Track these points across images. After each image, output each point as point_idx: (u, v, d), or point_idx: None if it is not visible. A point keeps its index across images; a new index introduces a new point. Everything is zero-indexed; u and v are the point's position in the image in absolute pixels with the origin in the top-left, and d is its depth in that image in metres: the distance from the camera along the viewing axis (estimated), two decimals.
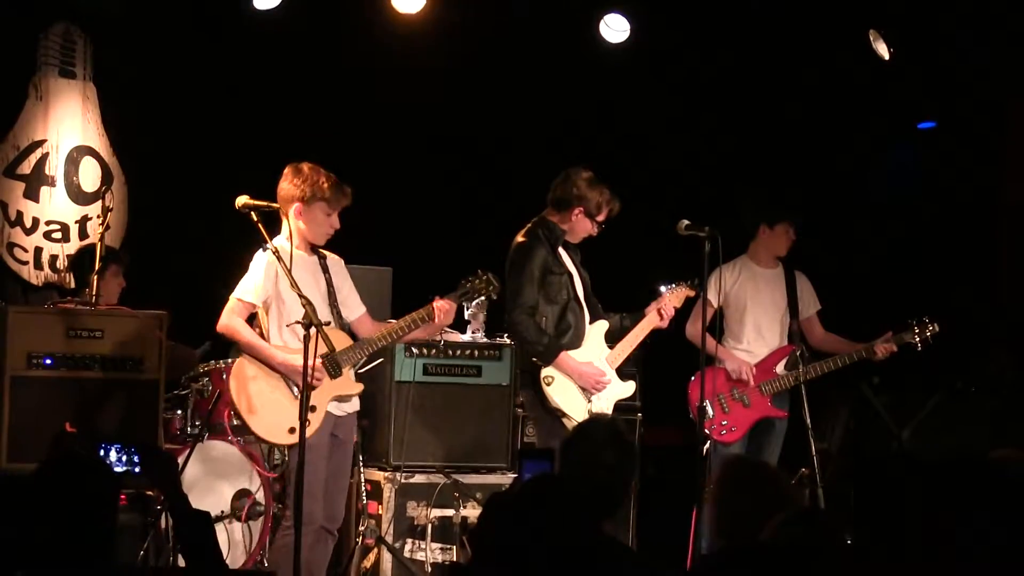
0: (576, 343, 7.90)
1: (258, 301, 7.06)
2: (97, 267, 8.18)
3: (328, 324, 7.01)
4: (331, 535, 7.30)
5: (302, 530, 6.76)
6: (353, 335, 7.35)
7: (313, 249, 7.28)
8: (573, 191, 7.93)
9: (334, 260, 7.37)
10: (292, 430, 6.87)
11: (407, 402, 8.35)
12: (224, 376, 8.19)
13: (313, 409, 6.96)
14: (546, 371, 7.80)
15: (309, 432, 6.86)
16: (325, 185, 7.17)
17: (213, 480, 8.13)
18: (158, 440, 7.56)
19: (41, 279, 9.40)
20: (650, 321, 8.07)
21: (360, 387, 7.34)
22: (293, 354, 6.87)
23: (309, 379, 6.61)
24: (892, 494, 2.83)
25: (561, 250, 7.97)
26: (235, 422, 8.16)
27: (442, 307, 7.35)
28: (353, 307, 7.40)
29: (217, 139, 9.53)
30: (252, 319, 7.22)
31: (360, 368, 7.42)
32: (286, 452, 7.04)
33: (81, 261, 8.79)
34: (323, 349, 6.90)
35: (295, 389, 6.95)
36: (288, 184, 7.19)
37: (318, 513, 7.12)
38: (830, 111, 10.54)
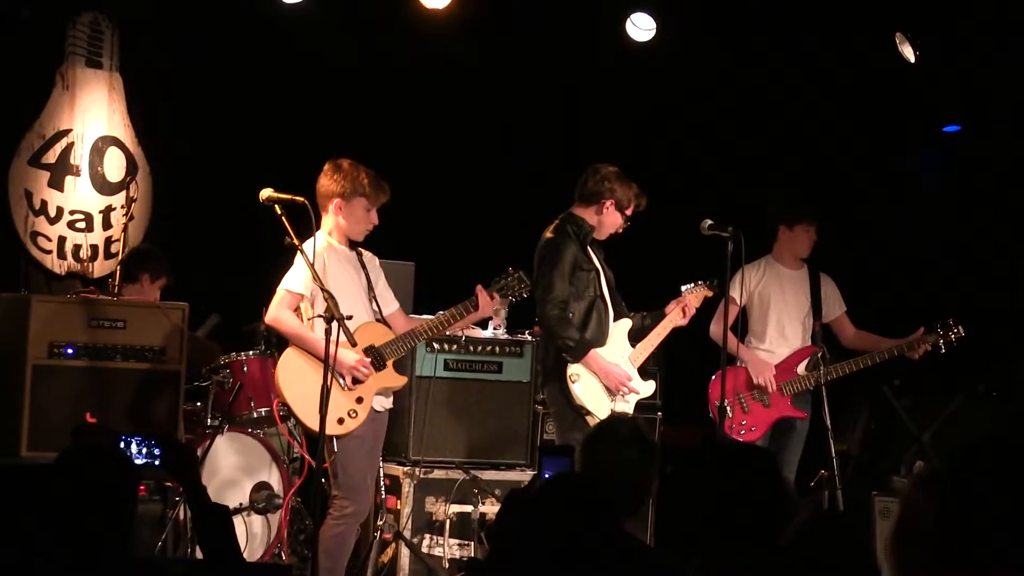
0: (601, 340, 7.90)
1: (306, 292, 7.08)
2: (121, 256, 8.20)
3: (372, 320, 7.25)
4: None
5: (351, 523, 7.10)
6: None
7: (351, 245, 7.31)
8: (605, 184, 7.95)
9: (370, 257, 7.44)
10: (341, 420, 7.02)
11: (428, 397, 8.36)
12: (244, 369, 8.22)
13: (360, 400, 7.13)
14: (572, 368, 7.79)
15: (356, 423, 7.10)
16: (365, 181, 7.23)
17: (232, 472, 8.15)
18: (179, 431, 7.57)
19: (64, 268, 9.41)
20: (671, 320, 8.07)
21: (404, 380, 7.44)
22: (341, 346, 6.90)
23: (339, 370, 6.87)
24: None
25: (588, 247, 7.98)
26: (255, 414, 8.20)
27: (485, 298, 7.40)
28: (387, 302, 7.45)
29: (242, 131, 9.54)
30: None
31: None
32: (334, 444, 7.06)
33: (143, 259, 8.67)
34: (365, 342, 7.10)
35: (343, 380, 7.03)
36: (328, 180, 7.24)
37: (365, 507, 7.25)
38: (857, 113, 10.51)
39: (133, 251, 8.77)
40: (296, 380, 7.07)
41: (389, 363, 7.23)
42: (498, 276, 7.54)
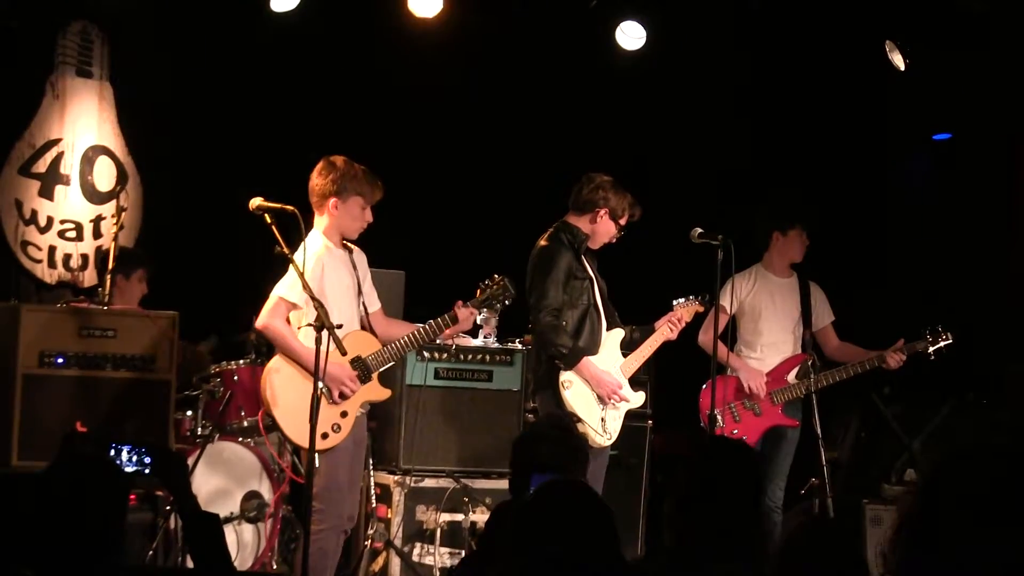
0: (593, 349, 7.90)
1: (300, 302, 6.95)
2: (111, 267, 8.20)
3: (359, 326, 7.18)
4: (344, 533, 7.30)
5: (335, 533, 7.01)
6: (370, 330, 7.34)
7: (344, 244, 7.27)
8: (599, 193, 7.95)
9: (359, 254, 7.34)
10: (325, 435, 6.90)
11: (418, 406, 8.36)
12: (235, 378, 8.21)
13: (344, 415, 7.02)
14: (565, 375, 7.80)
15: (340, 437, 7.00)
16: (361, 177, 7.14)
17: (223, 481, 8.13)
18: (169, 440, 7.56)
19: (54, 278, 9.42)
20: (662, 334, 8.09)
21: (388, 393, 7.34)
22: (330, 358, 6.79)
23: (327, 383, 6.78)
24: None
25: (582, 255, 7.98)
26: (245, 423, 8.18)
27: (463, 313, 7.35)
28: (371, 302, 7.36)
29: (232, 141, 9.55)
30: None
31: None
32: (316, 457, 6.99)
33: (106, 262, 8.74)
34: (352, 352, 6.98)
35: (329, 394, 6.94)
36: (323, 179, 7.13)
37: (349, 515, 7.19)
38: (846, 121, 10.53)
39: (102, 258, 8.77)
40: (282, 392, 6.97)
41: (375, 375, 7.16)
42: (483, 284, 7.49)
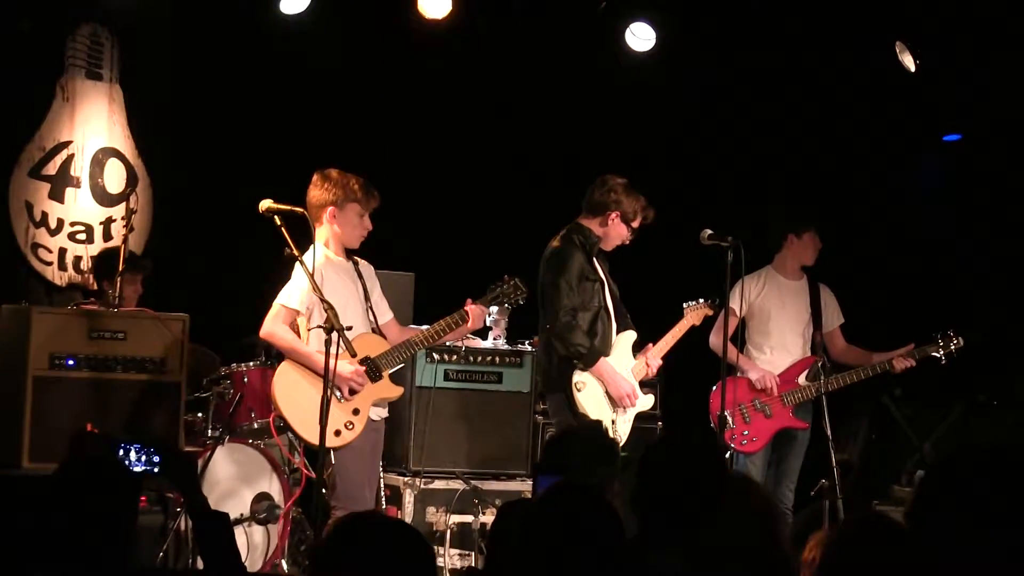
0: (604, 351, 7.90)
1: (302, 307, 7.08)
2: (120, 268, 8.20)
3: (368, 331, 7.22)
4: None
5: None
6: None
7: (347, 255, 7.31)
8: (611, 196, 7.96)
9: (365, 265, 7.43)
10: (337, 432, 6.99)
11: (428, 407, 8.36)
12: (245, 379, 8.21)
13: (356, 412, 7.11)
14: (579, 376, 7.80)
15: (353, 435, 7.09)
16: (355, 187, 7.24)
17: (233, 483, 8.13)
18: (179, 442, 7.57)
19: (65, 280, 9.43)
20: (683, 326, 8.14)
21: (400, 390, 7.41)
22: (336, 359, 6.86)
23: (335, 382, 6.74)
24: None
25: (594, 258, 7.99)
26: (255, 425, 8.18)
27: (475, 311, 7.39)
28: (382, 312, 7.44)
29: (242, 142, 9.55)
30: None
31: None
32: (331, 456, 7.05)
33: (102, 263, 8.80)
34: (361, 353, 7.05)
35: (338, 392, 7.00)
36: (319, 190, 7.24)
37: None
38: (856, 122, 10.52)
39: (109, 253, 8.78)
40: (292, 394, 7.07)
41: (385, 374, 7.21)
42: (493, 284, 7.55)
